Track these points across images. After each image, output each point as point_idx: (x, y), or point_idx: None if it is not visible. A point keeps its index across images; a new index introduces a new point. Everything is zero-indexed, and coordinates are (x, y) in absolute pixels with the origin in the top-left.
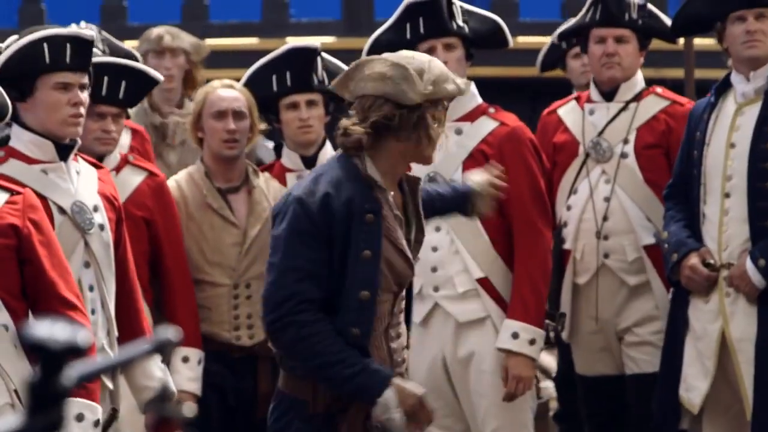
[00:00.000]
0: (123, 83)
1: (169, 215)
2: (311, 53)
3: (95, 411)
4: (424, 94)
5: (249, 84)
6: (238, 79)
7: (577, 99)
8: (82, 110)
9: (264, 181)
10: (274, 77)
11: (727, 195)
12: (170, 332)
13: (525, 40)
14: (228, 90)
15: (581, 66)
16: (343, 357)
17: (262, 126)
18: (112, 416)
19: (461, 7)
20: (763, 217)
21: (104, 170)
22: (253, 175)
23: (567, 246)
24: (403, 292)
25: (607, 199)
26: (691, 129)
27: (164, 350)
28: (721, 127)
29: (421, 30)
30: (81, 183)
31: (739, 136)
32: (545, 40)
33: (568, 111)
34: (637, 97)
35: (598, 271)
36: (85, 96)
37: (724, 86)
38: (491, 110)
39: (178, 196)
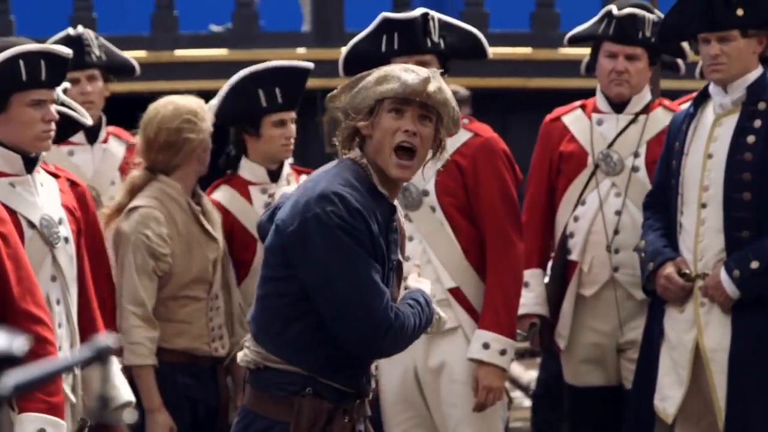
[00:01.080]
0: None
1: (92, 225)
2: (303, 72)
3: (58, 427)
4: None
5: (232, 93)
6: (207, 91)
7: (583, 107)
8: (54, 126)
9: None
10: (260, 91)
11: (703, 205)
12: (109, 339)
13: (495, 50)
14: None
15: None
16: (413, 312)
17: None
18: (82, 427)
19: (440, 20)
20: (738, 227)
21: (62, 180)
22: (196, 185)
23: (573, 257)
24: None
25: (618, 213)
26: (671, 139)
27: (103, 357)
28: (700, 138)
29: (395, 45)
30: (46, 195)
31: (717, 147)
32: (515, 51)
33: (573, 119)
34: (646, 109)
35: (607, 284)
36: (55, 110)
37: (703, 97)
38: (465, 121)
39: (166, 214)
